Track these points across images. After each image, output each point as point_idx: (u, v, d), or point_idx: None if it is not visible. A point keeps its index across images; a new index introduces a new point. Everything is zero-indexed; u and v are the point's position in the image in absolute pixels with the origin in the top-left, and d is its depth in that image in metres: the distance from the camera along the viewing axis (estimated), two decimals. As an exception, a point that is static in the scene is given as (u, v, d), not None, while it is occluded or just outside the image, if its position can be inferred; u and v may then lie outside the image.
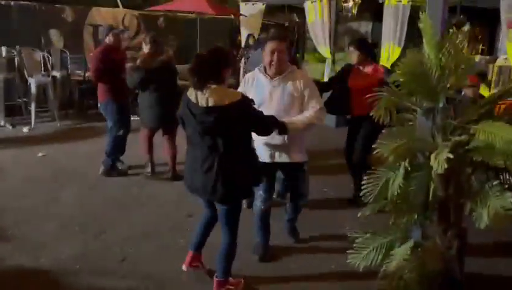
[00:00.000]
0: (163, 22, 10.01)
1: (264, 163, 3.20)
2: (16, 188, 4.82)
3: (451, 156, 1.99)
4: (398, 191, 2.27)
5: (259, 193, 3.37)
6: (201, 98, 2.62)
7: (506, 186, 2.14)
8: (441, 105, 2.33)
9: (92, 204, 4.53)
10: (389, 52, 8.26)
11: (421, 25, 2.27)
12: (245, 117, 2.66)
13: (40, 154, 5.91)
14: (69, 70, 8.31)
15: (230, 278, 3.02)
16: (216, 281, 2.94)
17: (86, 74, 8.22)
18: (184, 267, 3.26)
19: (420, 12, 2.27)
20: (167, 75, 4.90)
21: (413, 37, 9.22)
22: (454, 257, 2.37)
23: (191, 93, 2.69)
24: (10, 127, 7.22)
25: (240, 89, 3.31)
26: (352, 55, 4.24)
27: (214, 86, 2.61)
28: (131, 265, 3.41)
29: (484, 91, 7.61)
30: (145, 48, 4.91)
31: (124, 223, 4.13)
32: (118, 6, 9.62)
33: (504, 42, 7.57)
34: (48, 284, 3.18)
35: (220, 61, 2.66)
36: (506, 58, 7.92)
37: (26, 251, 3.55)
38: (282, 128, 3.04)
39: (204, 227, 3.24)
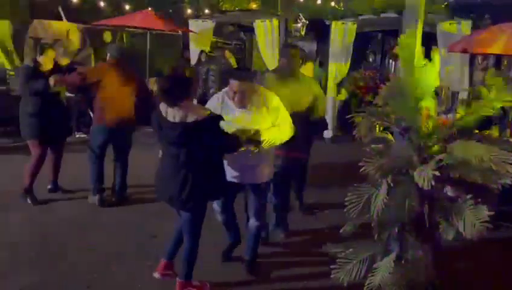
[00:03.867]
0: (110, 37, 9.72)
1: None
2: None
3: (437, 173, 2.14)
4: (383, 206, 2.38)
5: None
6: (170, 113, 2.92)
7: (479, 199, 2.33)
8: (417, 125, 2.49)
9: (45, 227, 4.26)
10: (336, 70, 8.68)
11: (399, 51, 2.44)
12: (208, 134, 2.89)
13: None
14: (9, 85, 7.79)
15: (196, 282, 3.23)
16: (178, 282, 3.17)
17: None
18: (156, 274, 3.35)
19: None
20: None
21: (358, 56, 9.78)
22: (432, 267, 2.52)
23: (162, 108, 2.98)
24: None
25: (208, 105, 3.38)
26: None
27: (184, 103, 2.90)
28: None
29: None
30: None
31: (82, 246, 3.93)
32: (61, 19, 9.21)
33: (442, 66, 8.21)
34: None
35: (190, 81, 3.04)
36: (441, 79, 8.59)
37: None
38: (254, 140, 3.19)
39: (177, 234, 3.33)
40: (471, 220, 2.27)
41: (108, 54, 4.86)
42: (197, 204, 3.05)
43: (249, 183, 3.42)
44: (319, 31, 10.14)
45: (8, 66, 8.21)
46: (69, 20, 9.34)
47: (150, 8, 9.31)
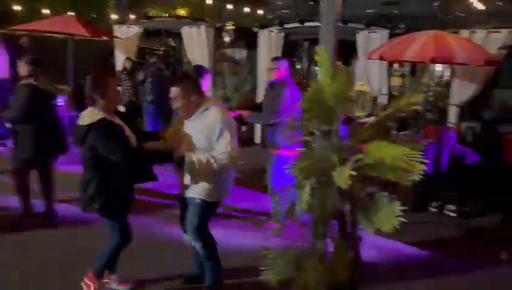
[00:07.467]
0: (27, 42, 9.15)
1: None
2: None
3: (354, 173, 2.26)
4: (306, 207, 2.48)
5: None
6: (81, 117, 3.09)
7: (394, 196, 2.50)
8: (335, 128, 2.62)
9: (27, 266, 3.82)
10: (266, 77, 8.84)
11: (317, 58, 2.55)
12: (97, 138, 2.97)
13: None
14: None
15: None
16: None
17: None
18: None
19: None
20: None
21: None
22: (354, 264, 2.65)
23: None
24: None
25: None
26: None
27: (88, 108, 3.08)
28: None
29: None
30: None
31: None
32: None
33: (361, 70, 8.68)
34: None
35: (91, 87, 3.08)
36: (362, 84, 9.08)
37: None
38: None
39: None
40: (386, 215, 2.43)
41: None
42: (100, 210, 3.13)
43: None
44: (248, 38, 10.30)
45: None
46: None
47: (70, 13, 8.91)
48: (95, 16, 10.90)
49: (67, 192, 4.88)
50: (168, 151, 3.10)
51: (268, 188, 4.55)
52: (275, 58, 4.82)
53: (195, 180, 3.17)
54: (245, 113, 4.75)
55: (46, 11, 9.63)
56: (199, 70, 4.65)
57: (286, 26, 8.88)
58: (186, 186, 3.25)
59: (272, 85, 4.62)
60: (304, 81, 10.12)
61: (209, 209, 3.25)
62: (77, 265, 3.68)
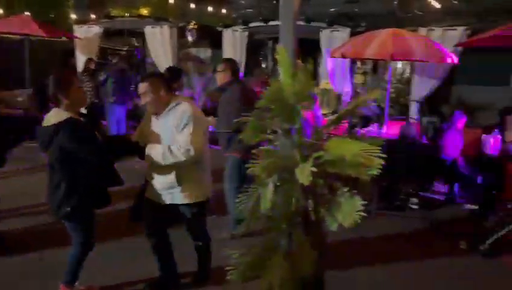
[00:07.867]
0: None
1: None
2: None
3: (315, 169, 2.28)
4: (269, 205, 2.48)
5: None
6: (46, 118, 2.99)
7: (355, 191, 2.54)
8: (297, 126, 2.64)
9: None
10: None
11: (277, 56, 2.56)
12: (65, 137, 2.88)
13: None
14: None
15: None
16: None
17: None
18: None
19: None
20: None
21: (251, 63, 10.04)
22: (319, 260, 2.67)
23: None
24: None
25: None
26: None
27: (53, 109, 3.00)
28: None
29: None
30: None
31: None
32: None
33: (325, 69, 8.79)
34: None
35: (56, 87, 2.97)
36: (327, 83, 9.21)
37: None
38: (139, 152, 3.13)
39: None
40: (348, 210, 2.46)
41: None
42: (68, 214, 3.02)
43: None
44: (212, 38, 10.25)
45: None
46: None
47: (26, 13, 8.61)
48: (53, 15, 10.54)
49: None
50: (136, 144, 3.16)
51: (225, 189, 4.43)
52: (223, 61, 4.66)
53: (178, 185, 3.19)
54: (212, 120, 4.54)
55: (0, 11, 9.26)
56: (174, 72, 4.57)
57: (250, 25, 8.91)
58: (156, 190, 3.24)
59: (221, 89, 4.44)
60: (269, 80, 10.17)
61: (202, 208, 3.40)
62: (42, 277, 3.59)
